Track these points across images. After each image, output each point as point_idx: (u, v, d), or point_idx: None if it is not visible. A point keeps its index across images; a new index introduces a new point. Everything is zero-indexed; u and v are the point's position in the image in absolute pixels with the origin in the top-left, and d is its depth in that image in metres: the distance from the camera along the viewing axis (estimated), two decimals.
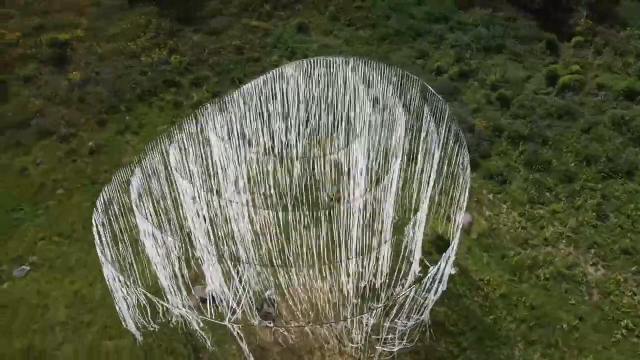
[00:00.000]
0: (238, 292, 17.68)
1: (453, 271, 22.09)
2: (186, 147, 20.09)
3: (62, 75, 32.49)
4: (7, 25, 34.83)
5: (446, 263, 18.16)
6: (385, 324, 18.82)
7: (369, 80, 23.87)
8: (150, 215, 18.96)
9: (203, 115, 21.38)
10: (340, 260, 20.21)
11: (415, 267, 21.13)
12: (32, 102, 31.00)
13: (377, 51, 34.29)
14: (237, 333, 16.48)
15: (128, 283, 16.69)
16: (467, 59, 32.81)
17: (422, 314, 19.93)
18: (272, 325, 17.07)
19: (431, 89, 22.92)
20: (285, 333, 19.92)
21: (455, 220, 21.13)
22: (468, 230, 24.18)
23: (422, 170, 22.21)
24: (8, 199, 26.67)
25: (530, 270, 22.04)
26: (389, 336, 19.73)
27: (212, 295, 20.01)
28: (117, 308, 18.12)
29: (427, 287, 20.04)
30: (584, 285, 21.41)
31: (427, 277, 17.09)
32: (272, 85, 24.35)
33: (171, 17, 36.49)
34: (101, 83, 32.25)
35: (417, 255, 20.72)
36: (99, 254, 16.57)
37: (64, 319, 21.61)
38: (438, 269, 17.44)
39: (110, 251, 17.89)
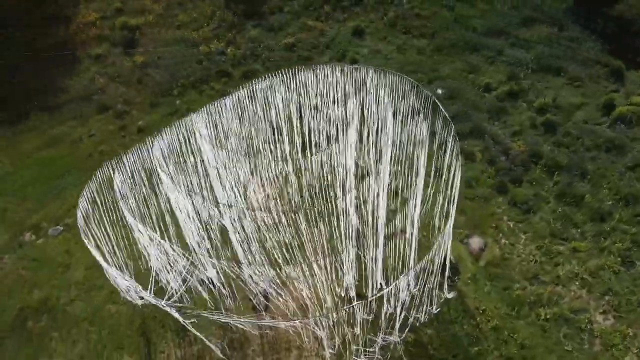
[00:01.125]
0: (182, 275, 18.57)
1: (450, 295, 21.56)
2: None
3: (128, 56, 35.13)
4: (90, 6, 38.15)
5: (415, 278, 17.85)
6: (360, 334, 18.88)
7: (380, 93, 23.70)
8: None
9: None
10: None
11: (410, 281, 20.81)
12: (97, 79, 33.90)
13: (428, 62, 33.65)
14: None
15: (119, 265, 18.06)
16: (520, 78, 31.29)
17: (402, 332, 19.74)
18: (226, 319, 17.51)
19: (441, 106, 22.43)
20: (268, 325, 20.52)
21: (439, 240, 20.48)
22: (478, 256, 23.35)
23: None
24: (60, 165, 29.51)
25: (531, 307, 20.91)
26: (369, 348, 19.77)
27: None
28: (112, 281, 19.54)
29: (412, 303, 19.89)
30: (586, 332, 19.97)
31: (389, 287, 16.98)
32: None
33: (236, 10, 38.06)
34: (160, 67, 34.55)
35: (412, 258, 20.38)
36: (83, 237, 17.89)
37: (80, 280, 23.74)
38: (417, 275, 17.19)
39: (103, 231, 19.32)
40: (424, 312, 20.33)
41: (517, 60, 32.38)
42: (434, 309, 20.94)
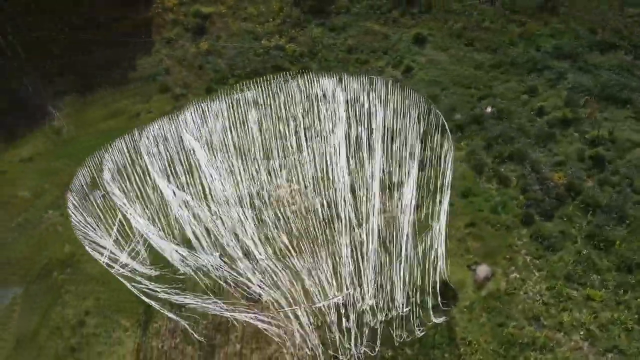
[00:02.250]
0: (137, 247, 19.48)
1: (439, 320, 20.93)
2: None
3: (194, 43, 37.27)
4: None
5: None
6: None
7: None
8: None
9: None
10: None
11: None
12: (164, 61, 36.35)
13: (484, 78, 32.27)
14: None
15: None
16: (579, 105, 29.07)
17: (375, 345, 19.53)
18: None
19: (448, 129, 21.64)
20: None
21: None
22: (482, 285, 22.33)
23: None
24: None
25: (522, 349, 19.70)
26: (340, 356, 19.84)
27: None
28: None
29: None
30: None
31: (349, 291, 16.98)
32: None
33: (303, 7, 38.86)
34: (222, 56, 36.32)
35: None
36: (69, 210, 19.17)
37: None
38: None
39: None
40: (404, 329, 20.06)
41: (580, 85, 30.08)
42: (419, 330, 20.49)
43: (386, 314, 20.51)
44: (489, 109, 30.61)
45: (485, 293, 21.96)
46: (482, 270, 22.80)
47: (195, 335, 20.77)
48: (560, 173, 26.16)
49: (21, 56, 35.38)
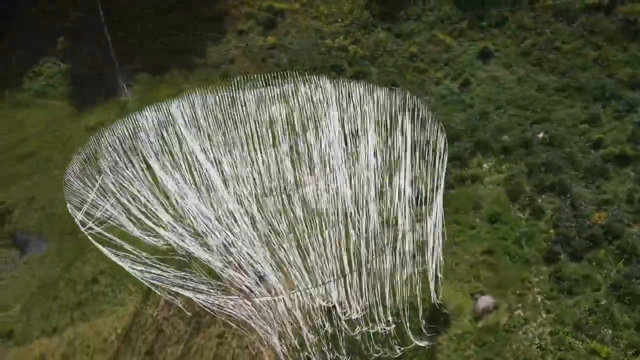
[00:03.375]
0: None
1: (422, 343, 20.10)
2: None
3: (262, 36, 38.58)
4: None
5: None
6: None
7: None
8: None
9: None
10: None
11: None
12: (231, 51, 38.08)
13: (544, 101, 30.08)
14: None
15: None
16: None
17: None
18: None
19: (444, 133, 20.47)
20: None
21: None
22: (479, 315, 21.06)
23: None
24: None
25: None
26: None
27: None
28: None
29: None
30: None
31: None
32: None
33: (374, 10, 38.67)
34: (286, 52, 37.30)
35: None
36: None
37: None
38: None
39: None
40: (385, 345, 19.52)
41: None
42: (399, 349, 19.84)
43: (370, 327, 20.06)
44: (540, 134, 28.55)
45: (482, 325, 20.70)
46: (484, 300, 21.46)
47: (186, 310, 21.71)
48: (602, 213, 23.80)
49: (106, 32, 38.82)
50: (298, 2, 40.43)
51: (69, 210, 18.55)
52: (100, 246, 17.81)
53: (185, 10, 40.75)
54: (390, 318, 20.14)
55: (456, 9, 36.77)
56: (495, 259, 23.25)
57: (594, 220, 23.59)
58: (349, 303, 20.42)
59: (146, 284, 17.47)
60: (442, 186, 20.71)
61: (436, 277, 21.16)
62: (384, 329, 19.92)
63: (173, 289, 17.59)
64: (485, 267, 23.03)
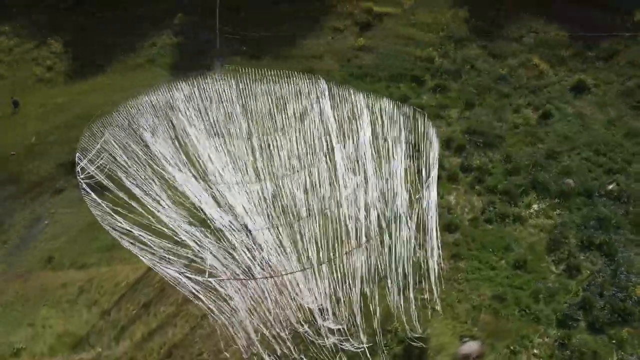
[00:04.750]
0: None
1: None
2: None
3: (354, 38, 38.86)
4: None
5: None
6: None
7: None
8: None
9: None
10: None
11: None
12: (322, 47, 38.97)
13: (627, 150, 26.48)
14: None
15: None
16: None
17: None
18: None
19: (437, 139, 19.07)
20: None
21: None
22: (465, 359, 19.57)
23: None
24: None
25: None
26: None
27: None
28: None
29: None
30: None
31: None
32: None
33: (473, 25, 36.84)
34: (373, 55, 37.26)
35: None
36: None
37: None
38: None
39: None
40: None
41: None
42: None
43: (342, 341, 19.77)
44: (610, 186, 25.23)
45: None
46: (469, 346, 19.84)
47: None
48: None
49: (217, 14, 42.01)
50: (400, 7, 40.02)
51: (78, 159, 20.53)
52: (94, 195, 19.25)
53: (293, 1, 42.48)
54: (364, 338, 19.70)
55: (563, 32, 33.68)
56: (503, 307, 21.27)
57: (633, 293, 20.44)
58: (332, 311, 20.33)
59: (134, 251, 18.67)
60: (435, 213, 19.48)
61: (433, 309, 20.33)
62: (355, 346, 19.51)
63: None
64: (488, 312, 21.20)
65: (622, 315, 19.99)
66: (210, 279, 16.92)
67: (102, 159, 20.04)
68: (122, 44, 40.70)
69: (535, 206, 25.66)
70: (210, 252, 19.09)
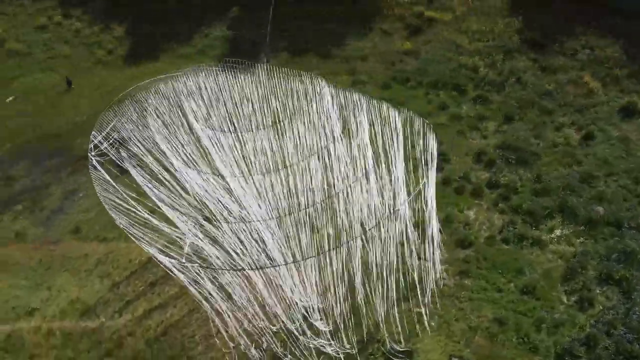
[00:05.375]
0: None
1: None
2: None
3: (401, 41, 38.30)
4: None
5: None
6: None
7: None
8: None
9: None
10: None
11: None
12: (367, 49, 38.72)
13: None
14: None
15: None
16: None
17: None
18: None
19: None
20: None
21: None
22: None
23: None
24: None
25: None
26: None
27: None
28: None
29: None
30: None
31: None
32: None
33: (525, 36, 35.23)
34: (418, 59, 36.61)
35: None
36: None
37: None
38: None
39: None
40: None
41: None
42: None
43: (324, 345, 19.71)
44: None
45: None
46: None
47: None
48: None
49: (271, 9, 42.81)
50: (451, 13, 39.00)
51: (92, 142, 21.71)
52: (103, 172, 20.32)
53: (348, 3, 42.37)
54: (348, 346, 19.59)
55: (619, 49, 31.51)
56: (501, 331, 20.34)
57: None
58: (324, 312, 20.34)
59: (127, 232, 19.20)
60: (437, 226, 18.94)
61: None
62: (337, 351, 19.43)
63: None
64: (484, 335, 20.36)
65: (627, 357, 18.59)
66: (187, 264, 17.43)
67: (112, 141, 21.15)
68: (177, 33, 42.40)
69: (558, 231, 24.29)
70: (199, 238, 19.56)
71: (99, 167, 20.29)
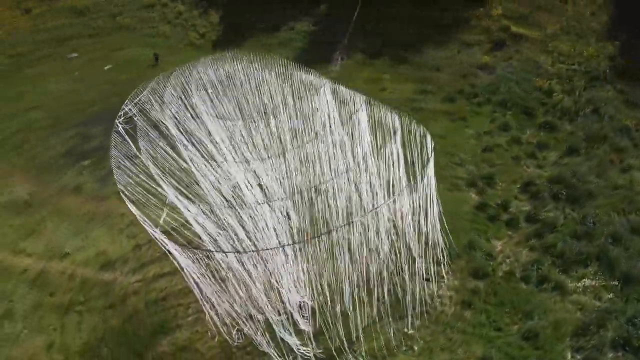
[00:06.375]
0: None
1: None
2: None
3: (480, 55, 36.40)
4: (504, 4, 39.31)
5: None
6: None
7: None
8: None
9: None
10: None
11: None
12: (443, 60, 37.37)
13: None
14: None
15: None
16: None
17: None
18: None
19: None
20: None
21: None
22: None
23: None
24: None
25: None
26: None
27: None
28: None
29: None
30: None
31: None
32: None
33: (617, 64, 31.69)
34: (489, 73, 34.72)
35: None
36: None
37: None
38: None
39: None
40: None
41: None
42: None
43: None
44: None
45: None
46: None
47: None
48: None
49: (357, 10, 42.90)
50: (542, 31, 36.28)
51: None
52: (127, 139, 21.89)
53: (437, 10, 41.22)
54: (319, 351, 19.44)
55: None
56: None
57: None
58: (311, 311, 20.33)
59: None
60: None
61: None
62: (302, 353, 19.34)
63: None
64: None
65: None
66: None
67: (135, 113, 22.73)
68: (266, 24, 44.24)
69: (587, 281, 21.79)
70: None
71: (123, 134, 21.98)
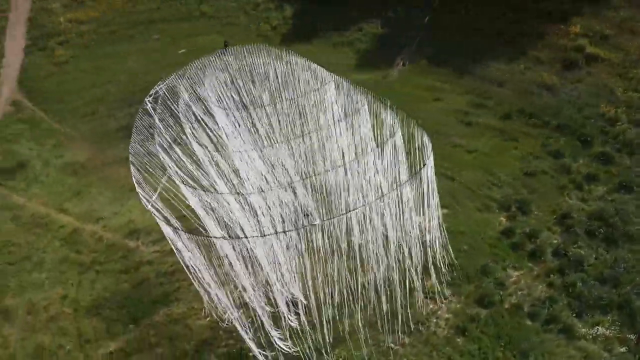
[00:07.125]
0: None
1: None
2: None
3: (549, 72, 34.04)
4: (582, 23, 36.25)
5: None
6: None
7: None
8: None
9: None
10: None
11: None
12: (506, 75, 35.43)
13: None
14: None
15: None
16: None
17: None
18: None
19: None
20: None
21: None
22: None
23: None
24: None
25: None
26: None
27: None
28: None
29: None
30: None
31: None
32: None
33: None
34: (554, 97, 32.48)
35: None
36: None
37: None
38: None
39: None
40: None
41: None
42: None
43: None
44: None
45: None
46: None
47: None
48: None
49: (428, 17, 41.85)
50: (621, 53, 33.26)
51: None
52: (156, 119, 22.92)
53: (511, 22, 39.17)
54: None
55: None
56: None
57: None
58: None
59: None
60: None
61: None
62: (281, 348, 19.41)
63: None
64: None
65: None
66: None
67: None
68: (337, 22, 44.30)
69: (601, 329, 19.98)
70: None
71: (151, 111, 23.28)
